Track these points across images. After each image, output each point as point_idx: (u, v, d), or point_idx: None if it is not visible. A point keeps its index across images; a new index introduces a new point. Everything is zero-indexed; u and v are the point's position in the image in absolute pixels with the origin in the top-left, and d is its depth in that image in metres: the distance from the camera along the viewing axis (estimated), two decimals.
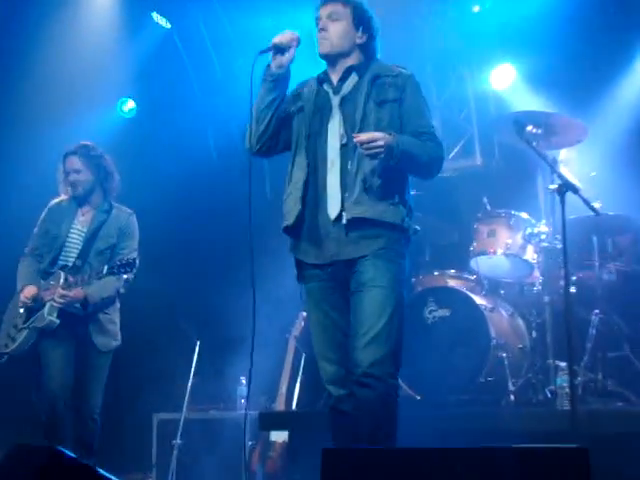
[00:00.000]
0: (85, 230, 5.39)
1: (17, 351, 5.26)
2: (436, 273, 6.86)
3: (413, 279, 6.93)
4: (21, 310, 5.27)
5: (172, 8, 8.05)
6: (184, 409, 6.42)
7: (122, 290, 5.42)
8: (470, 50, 8.21)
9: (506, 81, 8.03)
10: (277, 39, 3.84)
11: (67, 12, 7.53)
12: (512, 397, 5.97)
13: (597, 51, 7.39)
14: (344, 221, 3.67)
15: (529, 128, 5.88)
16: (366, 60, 3.95)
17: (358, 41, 3.92)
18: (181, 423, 6.41)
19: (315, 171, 3.76)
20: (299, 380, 6.80)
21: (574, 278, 6.32)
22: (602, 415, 5.41)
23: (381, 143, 3.58)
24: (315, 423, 6.08)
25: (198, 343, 6.61)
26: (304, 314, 6.22)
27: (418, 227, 3.87)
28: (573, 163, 6.94)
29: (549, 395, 5.84)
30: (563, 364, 5.61)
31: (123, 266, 5.01)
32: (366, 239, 3.69)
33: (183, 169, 7.63)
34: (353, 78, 3.90)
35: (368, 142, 3.58)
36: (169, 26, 8.12)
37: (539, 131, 5.94)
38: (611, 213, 6.34)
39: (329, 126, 3.80)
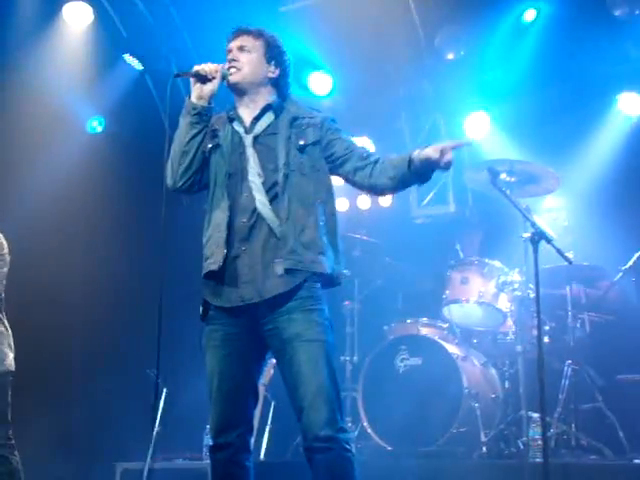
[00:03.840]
0: None
1: None
2: (408, 321, 6.79)
3: (385, 327, 6.88)
4: None
5: (145, 50, 8.05)
6: (148, 458, 6.24)
7: None
8: (444, 97, 8.24)
9: (480, 129, 8.06)
10: (199, 67, 3.70)
11: (43, 45, 7.52)
12: (484, 449, 5.89)
13: (573, 102, 7.45)
14: (279, 271, 3.50)
15: (502, 176, 5.86)
16: (280, 98, 3.82)
17: (270, 75, 3.79)
18: (145, 473, 6.22)
19: (236, 214, 3.60)
20: (267, 429, 6.65)
21: (547, 328, 6.29)
22: (575, 469, 5.31)
23: None
24: (283, 474, 5.95)
25: (165, 390, 6.45)
26: (273, 361, 6.09)
27: (347, 272, 3.71)
28: (560, 211, 6.94)
29: (521, 447, 5.75)
30: (536, 415, 5.54)
31: None
32: (279, 282, 3.50)
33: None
34: (269, 117, 3.76)
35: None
36: (141, 68, 8.10)
37: (512, 179, 5.93)
38: (585, 263, 6.33)
39: (248, 167, 3.64)
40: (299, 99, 3.94)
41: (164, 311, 3.70)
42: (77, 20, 7.73)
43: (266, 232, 3.57)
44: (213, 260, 3.59)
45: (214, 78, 3.68)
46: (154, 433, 6.36)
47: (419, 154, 3.48)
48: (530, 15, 7.29)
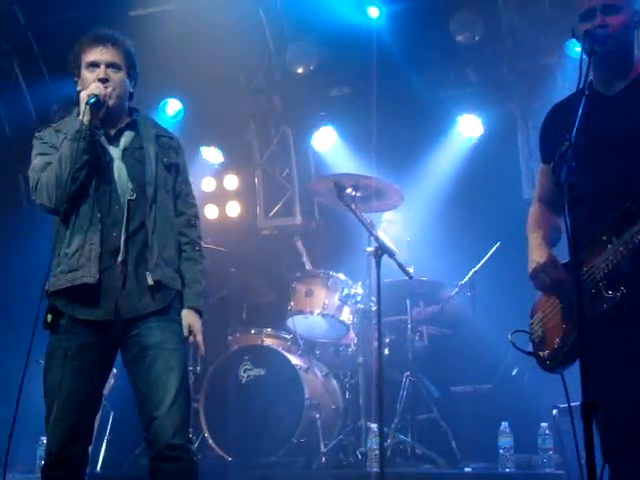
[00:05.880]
0: None
1: None
2: (253, 332, 6.80)
3: (229, 337, 6.86)
4: None
5: None
6: None
7: None
8: (293, 111, 8.34)
9: (327, 143, 8.19)
10: (98, 90, 3.51)
11: None
12: (323, 459, 5.96)
13: (416, 120, 7.70)
14: (150, 281, 3.51)
15: (348, 190, 5.97)
16: (132, 109, 3.77)
17: (130, 91, 3.73)
18: None
19: (107, 226, 3.53)
20: (106, 440, 6.49)
21: (387, 340, 6.46)
22: (409, 478, 5.52)
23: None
24: None
25: None
26: (115, 371, 5.96)
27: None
28: (397, 225, 7.15)
29: (360, 457, 5.88)
30: (374, 426, 5.66)
31: None
32: (153, 299, 3.54)
33: None
34: (131, 132, 3.69)
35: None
36: None
37: (358, 194, 6.05)
38: (424, 278, 6.53)
39: (115, 179, 3.57)
40: (147, 114, 3.90)
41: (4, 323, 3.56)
42: None
43: (139, 245, 3.54)
44: (83, 273, 3.47)
45: (105, 102, 3.54)
46: None
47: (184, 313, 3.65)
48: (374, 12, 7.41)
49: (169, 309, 3.59)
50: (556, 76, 7.03)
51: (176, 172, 3.75)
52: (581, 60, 2.98)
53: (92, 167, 3.53)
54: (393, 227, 7.17)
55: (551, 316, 3.31)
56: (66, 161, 3.48)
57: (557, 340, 3.23)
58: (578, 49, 6.44)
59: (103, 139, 3.63)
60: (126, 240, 3.52)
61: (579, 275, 2.75)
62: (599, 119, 3.12)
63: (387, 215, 7.18)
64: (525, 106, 7.40)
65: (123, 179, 3.58)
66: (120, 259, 3.51)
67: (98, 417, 6.40)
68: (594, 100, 3.04)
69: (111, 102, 3.58)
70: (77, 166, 3.48)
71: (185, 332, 3.61)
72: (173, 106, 8.09)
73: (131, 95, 3.75)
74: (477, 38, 7.17)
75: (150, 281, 3.51)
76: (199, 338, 3.67)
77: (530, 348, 3.41)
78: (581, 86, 2.92)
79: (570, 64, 6.72)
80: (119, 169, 3.59)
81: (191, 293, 3.69)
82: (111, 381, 6.50)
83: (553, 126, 3.43)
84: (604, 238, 3.08)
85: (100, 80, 3.57)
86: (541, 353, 3.33)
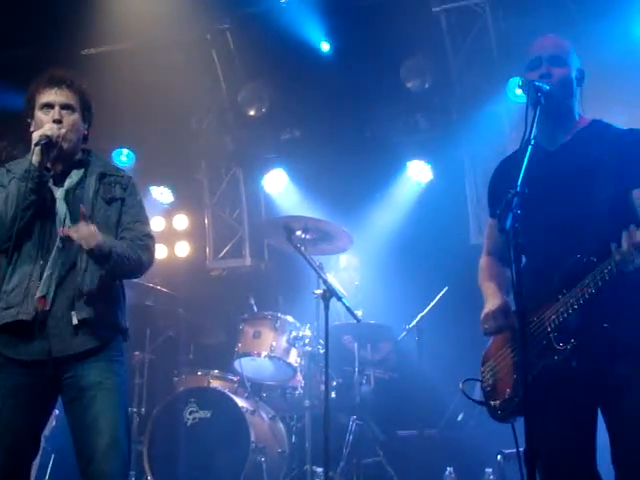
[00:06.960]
0: None
1: None
2: (199, 373, 6.74)
3: (175, 378, 6.79)
4: None
5: None
6: None
7: None
8: (245, 152, 8.37)
9: (278, 185, 8.23)
10: (50, 132, 3.51)
11: None
12: None
13: (367, 165, 7.77)
14: (75, 321, 3.46)
15: (298, 233, 5.99)
16: (85, 151, 3.78)
17: (84, 133, 3.74)
18: None
19: (45, 264, 3.52)
20: None
21: (334, 383, 6.44)
22: None
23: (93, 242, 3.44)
24: None
25: None
26: (57, 412, 5.85)
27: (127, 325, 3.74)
28: (354, 270, 7.19)
29: None
30: (320, 470, 5.62)
31: None
32: (87, 337, 3.50)
33: None
34: (78, 171, 3.70)
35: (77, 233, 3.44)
36: None
37: (308, 236, 6.07)
38: (372, 322, 6.55)
39: (56, 219, 3.57)
40: (100, 153, 3.89)
41: None
42: None
43: (74, 285, 3.51)
44: (20, 309, 3.45)
45: (58, 143, 3.53)
46: None
47: None
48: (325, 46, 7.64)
49: (108, 348, 3.53)
50: (504, 123, 7.18)
51: (120, 205, 3.71)
52: (527, 111, 3.05)
53: (38, 207, 3.53)
54: (350, 272, 7.21)
55: (502, 365, 3.31)
56: (12, 200, 3.48)
57: (508, 390, 3.22)
58: (519, 91, 6.62)
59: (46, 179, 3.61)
60: (60, 280, 3.50)
61: (524, 324, 2.75)
62: (542, 174, 3.18)
63: (344, 261, 7.22)
64: (473, 152, 7.53)
65: (61, 219, 3.57)
66: (50, 297, 3.48)
67: (37, 459, 6.32)
68: (537, 154, 3.09)
69: (65, 145, 3.58)
70: (23, 206, 3.48)
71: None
72: (125, 152, 8.13)
73: (85, 137, 3.74)
74: (427, 85, 7.31)
75: (75, 320, 3.47)
76: (72, 232, 3.42)
77: (479, 395, 3.41)
78: (527, 136, 2.99)
79: (517, 111, 6.85)
80: (60, 209, 3.59)
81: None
82: (52, 422, 6.38)
83: (500, 181, 3.46)
84: (554, 289, 3.10)
85: (54, 121, 3.56)
86: (492, 402, 3.31)
